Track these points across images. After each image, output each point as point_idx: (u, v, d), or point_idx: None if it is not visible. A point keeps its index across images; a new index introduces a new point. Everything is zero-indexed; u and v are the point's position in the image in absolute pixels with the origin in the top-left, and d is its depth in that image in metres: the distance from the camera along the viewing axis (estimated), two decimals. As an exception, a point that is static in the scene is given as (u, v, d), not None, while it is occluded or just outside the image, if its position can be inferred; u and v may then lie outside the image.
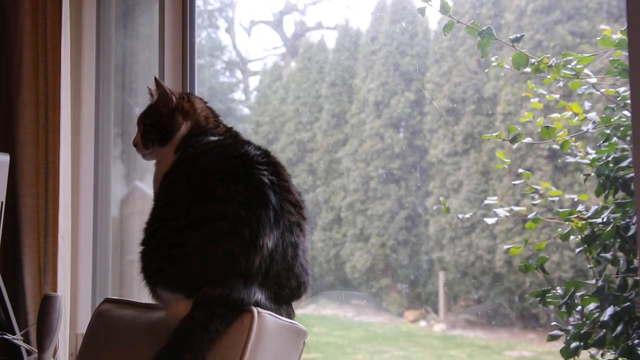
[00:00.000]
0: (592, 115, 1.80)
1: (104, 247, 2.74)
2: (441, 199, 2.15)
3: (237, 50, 6.05)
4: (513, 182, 1.96)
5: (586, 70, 1.79)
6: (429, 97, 4.80)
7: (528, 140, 1.89)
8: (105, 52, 2.79)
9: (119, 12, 2.87)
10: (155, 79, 1.63)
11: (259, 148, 1.47)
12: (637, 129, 1.22)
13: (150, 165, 1.64)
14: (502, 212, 1.90)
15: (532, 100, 1.92)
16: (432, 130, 4.72)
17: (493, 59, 1.94)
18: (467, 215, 2.06)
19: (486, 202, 1.99)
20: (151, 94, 1.65)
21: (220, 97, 5.69)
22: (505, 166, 1.98)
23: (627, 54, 1.71)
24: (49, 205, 2.40)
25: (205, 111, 1.62)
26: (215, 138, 1.54)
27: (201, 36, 5.38)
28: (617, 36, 1.73)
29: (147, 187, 2.73)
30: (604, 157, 1.76)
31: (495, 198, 1.97)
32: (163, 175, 1.51)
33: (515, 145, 1.87)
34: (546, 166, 3.94)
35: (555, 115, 1.88)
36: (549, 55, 1.81)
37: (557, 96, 1.89)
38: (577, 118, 1.83)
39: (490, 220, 1.91)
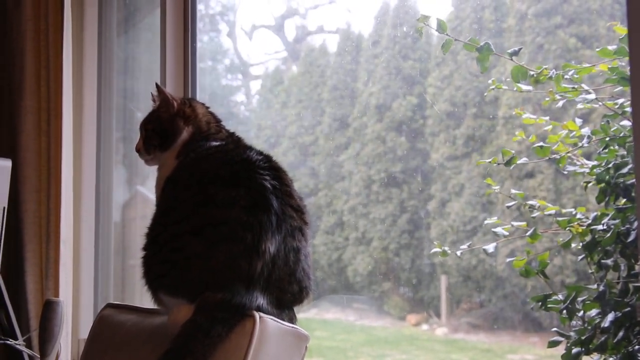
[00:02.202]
0: (586, 130, 1.81)
1: (106, 251, 2.74)
2: (436, 242, 2.16)
3: (238, 54, 6.06)
4: (507, 205, 1.98)
5: (584, 86, 1.79)
6: (430, 100, 4.80)
7: (523, 160, 1.90)
8: (107, 57, 2.80)
9: (121, 17, 2.87)
10: (157, 84, 1.63)
11: (260, 153, 1.47)
12: (638, 135, 1.22)
13: (152, 170, 1.65)
14: (501, 231, 1.90)
15: (524, 116, 1.93)
16: (433, 133, 4.72)
17: (490, 81, 1.95)
18: (466, 246, 2.07)
19: (486, 222, 2.00)
20: (154, 100, 1.65)
21: (221, 101, 5.69)
22: (496, 189, 1.99)
23: (624, 63, 1.71)
24: (50, 211, 2.41)
25: (206, 116, 1.62)
26: (217, 143, 1.54)
27: (203, 40, 5.39)
28: (614, 46, 1.74)
29: (149, 192, 2.73)
30: (603, 164, 1.76)
31: (495, 218, 1.98)
32: (165, 180, 1.51)
33: (511, 167, 1.89)
34: (547, 169, 3.94)
35: (550, 127, 1.89)
36: (547, 67, 1.81)
37: (547, 118, 1.90)
38: (573, 134, 1.84)
39: (490, 248, 1.92)
